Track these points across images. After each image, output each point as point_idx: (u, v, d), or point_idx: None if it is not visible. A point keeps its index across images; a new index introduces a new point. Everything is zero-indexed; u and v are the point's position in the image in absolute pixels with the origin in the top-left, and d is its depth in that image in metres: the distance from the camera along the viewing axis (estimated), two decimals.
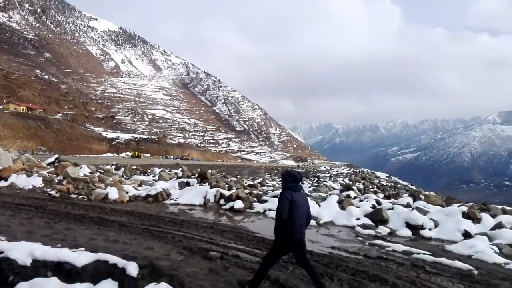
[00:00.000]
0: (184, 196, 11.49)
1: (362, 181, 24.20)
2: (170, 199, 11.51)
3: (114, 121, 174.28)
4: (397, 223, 9.09)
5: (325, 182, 22.62)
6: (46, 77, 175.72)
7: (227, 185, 12.45)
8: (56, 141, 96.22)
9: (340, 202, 10.61)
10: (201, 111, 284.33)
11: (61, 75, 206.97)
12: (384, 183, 29.53)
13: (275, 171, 53.74)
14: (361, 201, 11.35)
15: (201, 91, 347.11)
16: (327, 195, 12.65)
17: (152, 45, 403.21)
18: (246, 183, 16.86)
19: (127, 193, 11.61)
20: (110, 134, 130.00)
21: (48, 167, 13.77)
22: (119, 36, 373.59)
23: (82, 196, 10.71)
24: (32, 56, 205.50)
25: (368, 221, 9.25)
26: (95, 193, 10.69)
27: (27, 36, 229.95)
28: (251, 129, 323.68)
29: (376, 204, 10.50)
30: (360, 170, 64.38)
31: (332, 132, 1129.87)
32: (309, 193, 13.08)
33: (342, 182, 24.48)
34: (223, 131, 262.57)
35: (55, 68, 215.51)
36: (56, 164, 13.93)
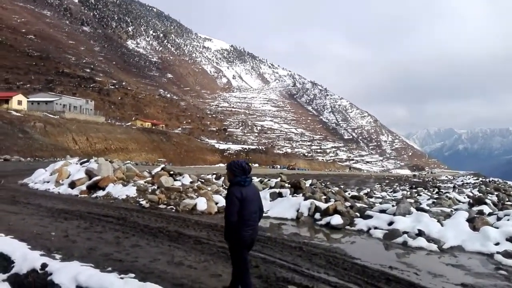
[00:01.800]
0: (275, 208, 10.27)
1: (496, 193, 19.96)
2: None
3: (226, 133, 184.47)
4: None
5: (447, 194, 19.18)
6: (168, 95, 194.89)
7: (325, 197, 10.83)
8: (175, 153, 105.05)
9: (470, 220, 8.17)
10: (308, 121, 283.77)
11: (181, 93, 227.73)
12: None
13: (387, 181, 49.45)
14: (499, 219, 8.67)
15: (307, 101, 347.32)
16: (451, 211, 10.14)
17: (260, 60, 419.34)
18: (349, 194, 14.93)
19: (216, 204, 10.88)
20: (222, 146, 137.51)
21: (147, 176, 13.95)
22: (231, 54, 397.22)
23: (171, 206, 10.29)
24: (156, 77, 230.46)
25: None
26: (183, 203, 10.15)
27: (152, 60, 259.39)
28: (360, 137, 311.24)
29: None
30: (490, 179, 55.45)
31: (454, 138, 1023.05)
32: (427, 208, 10.67)
33: (470, 193, 20.58)
34: (330, 140, 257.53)
35: (176, 87, 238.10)
36: (153, 174, 14.03)
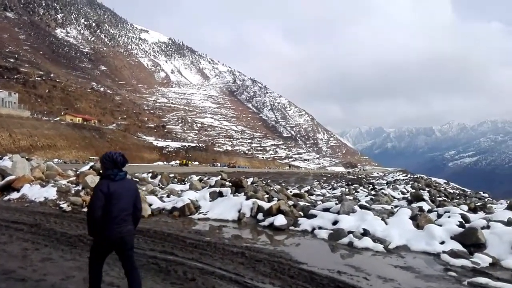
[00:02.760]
0: (215, 209, 9.57)
1: (427, 189, 21.01)
2: (199, 213, 9.63)
3: (165, 130, 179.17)
4: (499, 248, 6.52)
5: (383, 190, 19.78)
6: (102, 89, 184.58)
7: (267, 195, 10.34)
8: (109, 151, 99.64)
9: (413, 218, 8.11)
10: (248, 118, 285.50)
11: (116, 86, 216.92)
12: (451, 191, 25.94)
13: (324, 178, 50.86)
14: (439, 216, 8.76)
15: (247, 98, 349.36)
16: (391, 208, 10.16)
17: (200, 54, 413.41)
18: (291, 192, 14.65)
19: (150, 205, 9.92)
20: (161, 143, 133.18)
21: (72, 176, 12.51)
22: (169, 47, 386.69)
23: None
24: (88, 69, 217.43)
25: (457, 246, 6.74)
26: None
27: (84, 50, 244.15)
28: (298, 135, 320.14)
29: (463, 221, 7.92)
30: (418, 176, 59.38)
31: (383, 136, 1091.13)
32: (367, 205, 10.62)
33: (404, 189, 21.45)
34: (270, 137, 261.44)
35: (110, 80, 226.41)
36: (78, 173, 12.63)
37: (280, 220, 8.40)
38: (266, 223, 8.64)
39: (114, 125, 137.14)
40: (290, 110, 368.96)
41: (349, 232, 7.52)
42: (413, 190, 19.09)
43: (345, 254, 6.73)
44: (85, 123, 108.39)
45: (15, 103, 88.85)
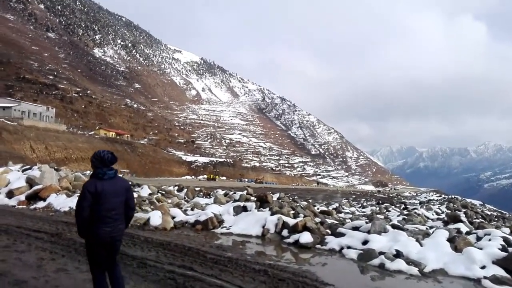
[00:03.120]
0: (239, 223, 9.25)
1: (464, 210, 19.85)
2: (222, 227, 9.34)
3: (194, 145, 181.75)
4: None
5: (416, 210, 18.82)
6: (135, 105, 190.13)
7: (293, 211, 9.94)
8: (140, 164, 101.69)
9: (451, 240, 7.48)
10: (276, 135, 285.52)
11: (148, 103, 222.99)
12: (489, 213, 24.46)
13: (353, 196, 49.53)
14: (479, 238, 8.07)
15: (276, 116, 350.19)
16: (426, 228, 9.49)
17: (230, 74, 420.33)
18: (318, 208, 14.12)
19: (173, 218, 9.73)
20: (190, 158, 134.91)
21: None
22: (200, 66, 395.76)
23: None
24: (123, 87, 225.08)
25: (500, 271, 6.10)
26: (134, 217, 8.92)
27: (119, 69, 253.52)
28: (326, 153, 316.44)
29: (505, 245, 7.23)
30: (452, 196, 56.83)
31: (416, 156, 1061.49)
32: (400, 225, 10.00)
33: (438, 210, 20.35)
34: (298, 155, 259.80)
35: (143, 97, 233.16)
36: None
37: (306, 237, 7.97)
38: (291, 240, 8.23)
39: (146, 140, 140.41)
40: (318, 128, 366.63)
41: (381, 253, 7.00)
42: (449, 211, 18.05)
43: (376, 276, 6.22)
44: (117, 137, 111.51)
45: (52, 117, 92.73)
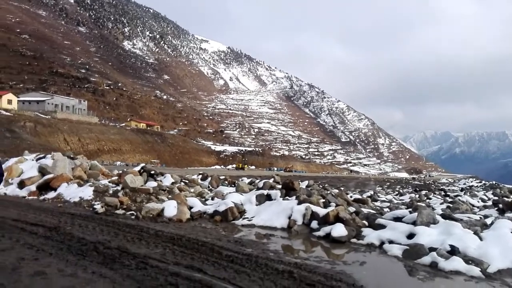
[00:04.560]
0: (262, 214, 8.22)
1: None
2: (244, 218, 8.35)
3: (223, 135, 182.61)
4: None
5: (459, 197, 17.18)
6: (165, 97, 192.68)
7: (323, 200, 8.79)
8: (170, 155, 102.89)
9: None
10: (305, 123, 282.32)
11: (178, 94, 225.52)
12: None
13: (388, 183, 47.49)
14: None
15: (304, 103, 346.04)
16: (480, 218, 8.09)
17: (257, 62, 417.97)
18: (351, 197, 12.89)
19: (190, 208, 8.83)
20: (219, 148, 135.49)
21: (115, 175, 11.87)
22: (228, 55, 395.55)
23: (131, 211, 8.23)
24: (153, 79, 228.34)
25: None
26: (146, 208, 8.09)
27: (148, 61, 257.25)
28: (357, 140, 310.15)
29: None
30: (494, 182, 53.51)
31: (451, 141, 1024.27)
32: (447, 213, 8.62)
33: (484, 197, 18.57)
34: (328, 142, 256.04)
35: (172, 88, 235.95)
36: (119, 173, 11.96)
37: (338, 230, 6.84)
38: (321, 233, 7.12)
39: (175, 130, 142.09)
40: (348, 114, 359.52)
41: (431, 249, 5.78)
42: (495, 197, 16.32)
43: (427, 278, 5.03)
44: (148, 128, 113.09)
45: (84, 110, 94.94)
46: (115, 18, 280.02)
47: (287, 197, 8.89)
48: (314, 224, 7.47)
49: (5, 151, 46.06)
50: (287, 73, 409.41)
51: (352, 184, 39.33)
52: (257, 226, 7.84)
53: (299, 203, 8.07)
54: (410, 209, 8.89)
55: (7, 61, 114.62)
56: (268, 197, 8.94)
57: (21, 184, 10.23)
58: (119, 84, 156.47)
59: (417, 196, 19.66)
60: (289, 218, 7.76)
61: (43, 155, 12.35)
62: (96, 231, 6.33)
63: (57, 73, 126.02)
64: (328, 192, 11.09)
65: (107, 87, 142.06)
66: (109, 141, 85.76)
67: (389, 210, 11.04)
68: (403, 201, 16.90)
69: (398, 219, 7.60)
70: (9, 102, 72.98)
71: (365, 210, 8.85)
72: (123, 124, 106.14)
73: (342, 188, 20.97)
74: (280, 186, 10.20)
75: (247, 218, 8.26)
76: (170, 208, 8.31)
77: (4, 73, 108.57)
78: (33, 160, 11.93)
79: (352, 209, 8.46)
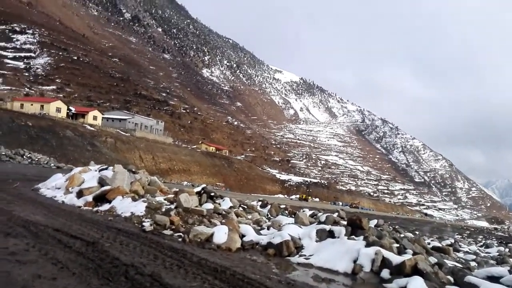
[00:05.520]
0: (322, 253, 7.10)
1: None
2: (300, 255, 7.29)
3: (289, 164, 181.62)
4: None
5: None
6: (235, 123, 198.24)
7: (397, 245, 7.44)
8: (236, 180, 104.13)
9: None
10: (376, 159, 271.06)
11: (248, 121, 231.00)
12: None
13: (467, 232, 42.54)
14: None
15: (376, 138, 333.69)
16: None
17: (329, 94, 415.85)
18: (429, 243, 11.12)
19: (243, 237, 8.02)
20: (284, 176, 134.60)
21: (171, 194, 11.53)
22: (300, 86, 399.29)
23: (179, 233, 7.62)
24: (226, 105, 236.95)
25: None
26: (194, 231, 7.42)
27: (224, 88, 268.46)
28: (432, 181, 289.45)
29: None
30: None
31: None
32: None
33: None
34: (399, 181, 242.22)
35: (243, 115, 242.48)
36: (176, 191, 11.59)
37: (418, 284, 5.52)
38: (394, 286, 5.83)
39: (243, 156, 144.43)
40: (424, 153, 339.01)
41: None
42: None
43: None
44: (217, 152, 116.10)
45: (161, 131, 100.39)
46: (197, 47, 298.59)
47: (353, 236, 7.67)
48: (385, 273, 6.19)
49: (85, 163, 49.69)
50: (359, 106, 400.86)
51: (426, 228, 35.71)
52: (315, 267, 6.73)
53: (368, 245, 6.84)
54: (509, 268, 7.17)
55: (98, 81, 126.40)
56: (331, 234, 7.80)
57: (80, 194, 10.25)
58: (195, 109, 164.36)
59: (507, 250, 16.82)
60: (354, 262, 6.56)
61: (105, 166, 12.47)
62: (135, 252, 5.75)
63: (140, 95, 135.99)
64: (402, 235, 9.59)
65: (184, 111, 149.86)
66: (180, 161, 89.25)
67: (476, 265, 9.22)
68: (491, 254, 14.45)
69: (493, 278, 6.06)
70: (95, 118, 79.46)
71: (449, 263, 7.31)
72: (194, 146, 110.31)
73: (417, 233, 18.70)
74: (345, 223, 8.99)
75: (304, 255, 7.19)
76: (220, 234, 7.55)
77: (94, 92, 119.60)
78: (96, 170, 12.07)
79: (433, 259, 7.00)
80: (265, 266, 6.45)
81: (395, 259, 6.34)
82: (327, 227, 8.00)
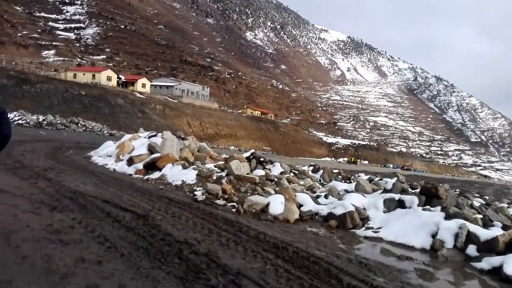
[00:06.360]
0: (392, 225, 6.31)
1: None
2: (367, 227, 6.54)
3: (336, 127, 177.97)
4: None
5: None
6: (280, 86, 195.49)
7: (480, 216, 6.46)
8: (282, 143, 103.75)
9: None
10: (428, 119, 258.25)
11: (293, 84, 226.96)
12: None
13: None
14: None
15: (429, 97, 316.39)
16: None
17: (378, 52, 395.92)
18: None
19: (300, 206, 7.39)
20: (330, 139, 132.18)
21: (221, 160, 11.09)
22: (347, 45, 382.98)
23: (232, 203, 7.13)
24: (270, 68, 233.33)
25: None
26: (248, 201, 6.89)
27: (268, 51, 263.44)
28: (490, 141, 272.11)
29: None
30: None
31: None
32: None
33: None
34: (454, 141, 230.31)
35: (288, 78, 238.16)
36: (225, 157, 11.11)
37: None
38: (484, 265, 4.96)
39: (288, 119, 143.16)
40: (481, 112, 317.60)
41: None
42: None
43: None
44: (262, 116, 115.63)
45: (206, 96, 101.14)
46: (240, 9, 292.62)
47: (427, 206, 6.77)
48: (472, 250, 5.32)
49: (136, 130, 51.19)
50: (411, 64, 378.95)
51: (489, 191, 33.40)
52: (385, 241, 5.98)
53: (447, 217, 5.94)
54: None
55: (145, 49, 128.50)
56: (400, 204, 6.95)
57: (130, 161, 10.07)
58: (239, 73, 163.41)
59: None
60: (433, 236, 5.72)
61: (155, 133, 12.24)
62: (188, 225, 5.29)
63: (186, 61, 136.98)
64: (481, 204, 8.49)
65: (228, 76, 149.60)
66: (226, 126, 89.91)
67: None
68: None
69: None
70: (143, 86, 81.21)
71: None
72: (240, 111, 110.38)
73: (487, 198, 17.19)
74: (414, 191, 8.06)
75: (372, 228, 6.43)
76: (276, 204, 6.97)
77: (141, 60, 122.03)
78: (145, 137, 11.87)
79: None
80: (329, 240, 5.79)
81: (484, 234, 5.42)
82: (396, 196, 7.14)
